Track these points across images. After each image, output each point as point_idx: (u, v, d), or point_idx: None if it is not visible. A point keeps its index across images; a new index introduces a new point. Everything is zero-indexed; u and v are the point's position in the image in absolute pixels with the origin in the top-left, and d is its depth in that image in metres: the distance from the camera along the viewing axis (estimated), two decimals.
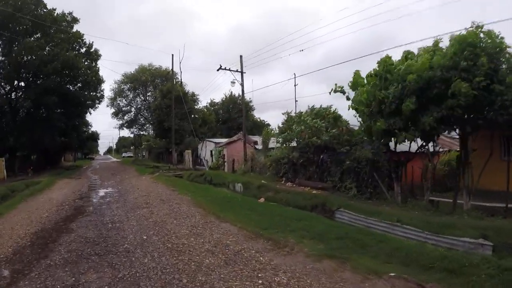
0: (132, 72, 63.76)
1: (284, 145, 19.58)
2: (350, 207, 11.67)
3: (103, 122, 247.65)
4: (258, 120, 73.44)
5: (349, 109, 14.10)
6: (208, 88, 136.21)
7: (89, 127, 58.99)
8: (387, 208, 11.57)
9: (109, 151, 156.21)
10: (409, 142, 12.47)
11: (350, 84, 14.05)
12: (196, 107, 57.27)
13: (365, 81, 13.37)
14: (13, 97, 36.12)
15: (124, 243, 8.43)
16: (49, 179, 26.63)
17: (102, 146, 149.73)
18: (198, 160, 39.56)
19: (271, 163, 19.78)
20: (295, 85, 44.04)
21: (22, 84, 36.02)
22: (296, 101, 43.92)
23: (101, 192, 19.16)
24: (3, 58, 33.94)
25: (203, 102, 63.07)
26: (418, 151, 13.14)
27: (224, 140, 37.04)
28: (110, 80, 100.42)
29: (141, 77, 62.86)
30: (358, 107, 13.34)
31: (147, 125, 67.22)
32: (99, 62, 40.68)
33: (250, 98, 70.04)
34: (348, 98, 14.25)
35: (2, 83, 35.24)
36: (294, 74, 39.63)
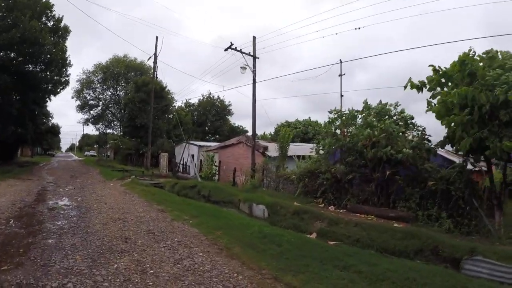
0: (104, 63, 57.37)
1: (321, 152, 14.10)
2: (485, 253, 7.46)
3: (67, 117, 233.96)
4: (234, 124, 69.89)
5: (432, 111, 10.51)
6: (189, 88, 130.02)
7: (50, 118, 51.31)
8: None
9: (71, 148, 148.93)
10: None
11: (429, 79, 10.55)
12: (171, 106, 51.47)
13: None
14: None
15: None
16: None
17: (64, 143, 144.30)
18: (178, 165, 33.23)
19: (301, 177, 14.10)
20: (340, 75, 34.78)
21: None
22: (341, 95, 34.69)
23: (53, 205, 12.91)
24: None
25: (178, 102, 57.13)
26: None
27: (214, 144, 31.02)
28: (78, 69, 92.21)
29: (114, 69, 56.45)
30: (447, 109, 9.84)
31: (115, 122, 60.76)
32: (67, 44, 33.92)
33: (229, 102, 66.63)
34: (434, 97, 10.57)
35: None
36: (340, 60, 32.69)
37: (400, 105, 13.78)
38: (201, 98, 65.29)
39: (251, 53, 19.96)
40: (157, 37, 31.86)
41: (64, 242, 7.89)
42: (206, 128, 65.67)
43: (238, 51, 19.99)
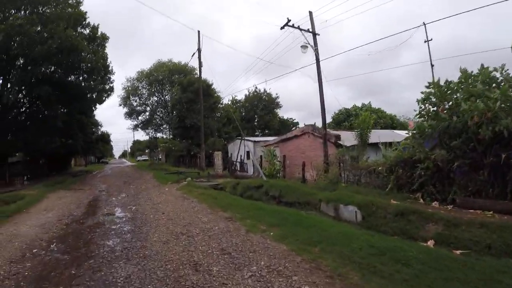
0: (148, 69, 57.06)
1: (417, 137, 11.62)
2: None
3: (117, 125, 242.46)
4: (283, 118, 67.99)
5: None
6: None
7: (99, 127, 51.56)
8: None
9: (124, 154, 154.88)
10: None
11: None
12: (219, 104, 50.22)
13: None
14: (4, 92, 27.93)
15: None
16: (39, 192, 19.24)
17: (117, 150, 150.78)
18: (235, 163, 31.38)
19: (393, 168, 11.65)
20: (427, 40, 30.21)
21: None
22: (432, 65, 30.10)
23: (104, 219, 11.48)
24: None
25: (224, 99, 55.68)
26: None
27: (271, 138, 28.91)
28: (123, 77, 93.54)
29: (158, 75, 55.88)
30: None
31: (164, 125, 60.26)
32: (108, 51, 33.05)
33: (277, 94, 64.71)
34: None
35: None
36: (424, 22, 28.19)
37: (508, 69, 11.02)
38: (247, 93, 63.98)
39: (310, 30, 17.56)
40: (199, 32, 30.02)
41: (116, 273, 6.08)
42: (255, 123, 64.17)
43: (296, 28, 17.65)
